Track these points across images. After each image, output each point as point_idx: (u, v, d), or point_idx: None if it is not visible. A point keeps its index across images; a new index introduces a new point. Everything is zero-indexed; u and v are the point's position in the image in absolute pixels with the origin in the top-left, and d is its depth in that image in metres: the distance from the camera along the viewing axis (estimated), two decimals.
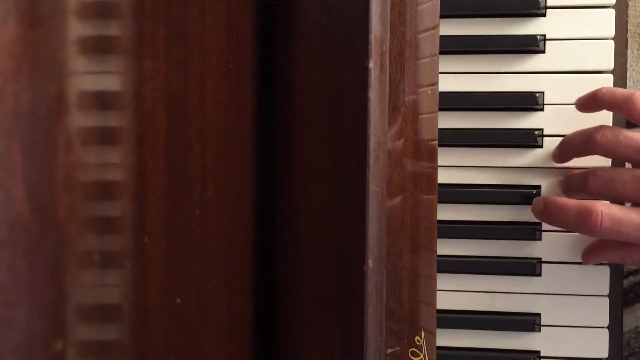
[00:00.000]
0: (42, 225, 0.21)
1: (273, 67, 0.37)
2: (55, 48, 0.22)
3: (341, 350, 0.32)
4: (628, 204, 0.51)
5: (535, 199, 0.54)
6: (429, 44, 0.41)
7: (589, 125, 0.54)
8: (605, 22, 0.55)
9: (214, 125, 0.32)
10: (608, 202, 0.51)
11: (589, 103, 0.53)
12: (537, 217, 0.54)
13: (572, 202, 0.50)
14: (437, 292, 0.44)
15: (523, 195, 0.56)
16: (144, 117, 0.27)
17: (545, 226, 0.56)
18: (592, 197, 0.51)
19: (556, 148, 0.55)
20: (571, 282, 0.56)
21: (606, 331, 0.55)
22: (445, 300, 0.56)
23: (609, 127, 0.50)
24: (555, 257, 0.56)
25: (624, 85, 0.56)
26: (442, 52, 0.45)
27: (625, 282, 0.57)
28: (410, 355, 0.40)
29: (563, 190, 0.55)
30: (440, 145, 0.44)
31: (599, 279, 0.55)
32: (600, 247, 0.53)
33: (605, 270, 0.55)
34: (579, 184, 0.52)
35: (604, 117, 0.54)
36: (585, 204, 0.49)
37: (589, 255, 0.54)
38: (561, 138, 0.55)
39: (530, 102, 0.55)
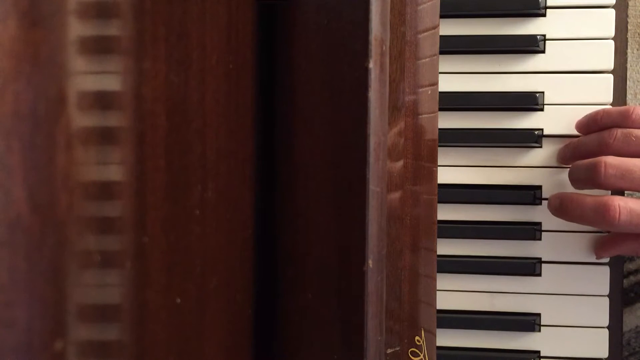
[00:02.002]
0: (42, 225, 0.21)
1: (273, 67, 0.37)
2: (55, 48, 0.22)
3: (341, 350, 0.32)
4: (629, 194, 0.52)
5: (552, 196, 0.54)
6: (429, 44, 0.41)
7: None
8: (605, 22, 0.55)
9: (214, 125, 0.32)
10: (621, 196, 0.52)
11: (590, 126, 0.54)
12: (553, 214, 0.54)
13: (588, 198, 0.51)
14: (437, 292, 0.44)
15: (523, 195, 0.56)
16: (144, 117, 0.27)
17: (545, 226, 0.56)
18: (602, 188, 0.51)
19: (565, 150, 0.55)
20: (571, 282, 0.56)
21: (606, 331, 0.55)
22: (446, 300, 0.56)
23: (619, 129, 0.51)
24: (555, 257, 0.56)
25: (624, 85, 0.56)
26: (442, 52, 0.45)
27: (626, 281, 0.57)
28: (410, 355, 0.40)
29: (572, 184, 0.55)
30: (440, 145, 0.44)
31: (599, 279, 0.55)
32: (613, 241, 0.53)
33: (605, 270, 0.55)
34: (587, 176, 0.51)
35: None
36: (602, 199, 0.50)
37: (602, 250, 0.54)
38: (561, 138, 0.55)
39: (530, 102, 0.55)
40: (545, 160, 0.56)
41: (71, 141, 0.22)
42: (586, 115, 0.54)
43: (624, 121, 0.51)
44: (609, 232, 0.55)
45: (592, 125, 0.54)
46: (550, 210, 0.54)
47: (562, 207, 0.53)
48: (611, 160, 0.50)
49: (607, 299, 0.55)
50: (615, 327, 0.55)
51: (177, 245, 0.29)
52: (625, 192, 0.54)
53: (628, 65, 0.56)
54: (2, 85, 0.20)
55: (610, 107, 0.55)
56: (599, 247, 0.55)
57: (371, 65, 0.31)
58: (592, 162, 0.51)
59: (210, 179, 0.32)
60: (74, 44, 0.22)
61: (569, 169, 0.55)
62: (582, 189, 0.54)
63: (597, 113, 0.53)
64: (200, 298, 0.31)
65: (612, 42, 0.55)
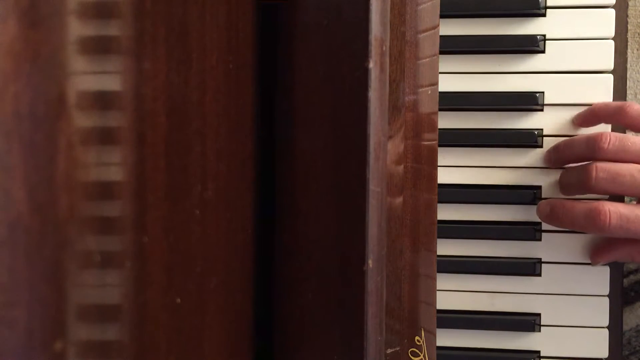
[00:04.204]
0: (42, 225, 0.21)
1: (273, 67, 0.37)
2: (55, 48, 0.22)
3: (341, 350, 0.32)
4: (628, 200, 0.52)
5: (541, 203, 0.54)
6: (429, 44, 0.41)
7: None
8: (605, 22, 0.55)
9: (214, 125, 0.32)
10: (612, 201, 0.52)
11: (588, 119, 0.54)
12: (543, 220, 0.54)
13: (579, 204, 0.51)
14: (438, 292, 0.44)
15: (523, 195, 0.56)
16: (144, 117, 0.27)
17: (545, 226, 0.56)
18: (593, 193, 0.51)
19: (551, 152, 0.55)
20: (571, 282, 0.56)
21: (606, 331, 0.55)
22: (446, 300, 0.56)
23: (613, 133, 0.51)
24: (555, 257, 0.56)
25: (624, 85, 0.56)
26: (442, 52, 0.45)
27: (626, 281, 0.57)
28: (410, 355, 0.40)
29: (561, 190, 0.55)
30: (440, 145, 0.44)
31: (599, 279, 0.55)
32: (608, 246, 0.53)
33: (605, 270, 0.55)
34: (578, 180, 0.51)
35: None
36: (592, 204, 0.50)
37: (597, 256, 0.54)
38: (561, 138, 0.55)
39: (530, 102, 0.55)
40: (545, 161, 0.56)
41: (71, 141, 0.22)
42: (586, 109, 0.54)
43: (618, 114, 0.51)
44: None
45: (591, 117, 0.54)
46: (540, 217, 0.54)
47: (552, 214, 0.53)
48: (602, 164, 0.50)
49: (607, 299, 0.55)
50: (615, 327, 0.55)
51: (177, 245, 0.29)
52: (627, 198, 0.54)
53: (628, 65, 0.56)
54: (2, 85, 0.20)
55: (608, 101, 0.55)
56: (594, 253, 0.55)
57: (371, 65, 0.31)
58: (583, 165, 0.51)
59: (210, 179, 0.32)
60: (74, 44, 0.22)
61: (559, 176, 0.55)
62: (573, 194, 0.54)
63: (595, 104, 0.53)
64: (200, 298, 0.31)
65: (612, 42, 0.55)
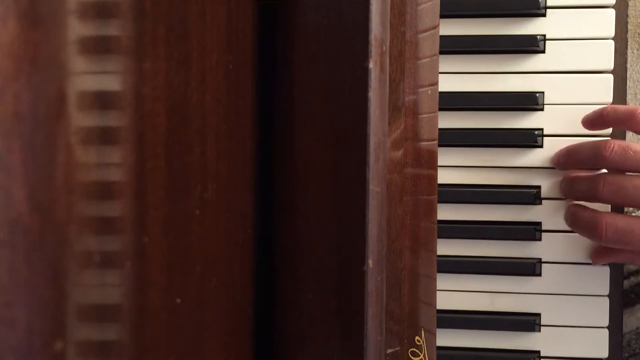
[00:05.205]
0: (42, 225, 0.21)
1: (273, 67, 0.37)
2: (55, 48, 0.22)
3: (341, 350, 0.32)
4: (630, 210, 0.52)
5: (567, 206, 0.55)
6: (429, 44, 0.41)
7: None
8: (605, 22, 0.55)
9: (214, 125, 0.32)
10: (614, 212, 0.53)
11: (595, 122, 0.54)
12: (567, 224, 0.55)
13: (585, 213, 0.52)
14: (438, 292, 0.44)
15: (523, 195, 0.56)
16: (144, 117, 0.27)
17: (545, 226, 0.56)
18: (599, 202, 0.52)
19: (559, 155, 0.55)
20: (571, 282, 0.56)
21: (606, 331, 0.55)
22: (446, 300, 0.56)
23: (616, 142, 0.51)
24: (555, 257, 0.56)
25: (624, 85, 0.56)
26: (442, 52, 0.45)
27: (626, 282, 0.57)
28: (410, 355, 0.40)
29: (565, 194, 0.55)
30: (440, 145, 0.44)
31: (599, 279, 0.55)
32: (606, 251, 0.54)
33: (606, 271, 0.55)
34: (587, 189, 0.52)
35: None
36: (593, 216, 0.51)
37: (597, 257, 0.55)
38: (561, 138, 0.55)
39: (530, 102, 0.55)
40: (545, 160, 0.56)
41: (71, 141, 0.22)
42: (594, 111, 0.54)
43: (628, 121, 0.51)
44: None
45: (598, 121, 0.54)
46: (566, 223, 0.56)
47: (566, 218, 0.55)
48: (610, 177, 0.51)
49: (607, 299, 0.55)
50: (615, 327, 0.55)
51: (177, 245, 0.29)
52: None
53: (628, 65, 0.56)
54: (2, 85, 0.20)
55: (618, 105, 0.54)
56: (594, 254, 0.55)
57: (371, 65, 0.31)
58: (593, 176, 0.52)
59: (210, 179, 0.32)
60: (74, 44, 0.22)
61: (562, 182, 0.55)
62: (580, 200, 0.54)
63: (604, 109, 0.53)
64: (200, 298, 0.31)
65: (612, 42, 0.55)
